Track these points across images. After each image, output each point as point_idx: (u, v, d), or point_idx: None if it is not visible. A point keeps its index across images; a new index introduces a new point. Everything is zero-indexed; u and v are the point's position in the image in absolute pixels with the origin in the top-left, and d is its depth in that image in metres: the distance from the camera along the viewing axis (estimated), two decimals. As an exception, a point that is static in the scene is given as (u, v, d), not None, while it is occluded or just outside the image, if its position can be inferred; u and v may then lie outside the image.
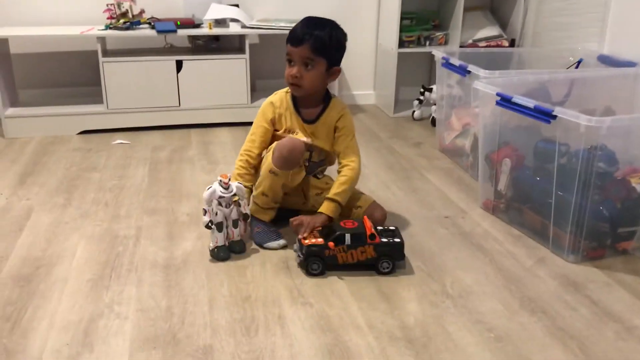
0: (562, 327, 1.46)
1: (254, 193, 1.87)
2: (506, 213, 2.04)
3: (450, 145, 2.66)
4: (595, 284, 1.66)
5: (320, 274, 1.67)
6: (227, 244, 1.77)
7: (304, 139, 1.83)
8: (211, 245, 1.76)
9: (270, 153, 1.80)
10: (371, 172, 2.48)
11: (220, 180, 1.71)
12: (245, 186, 1.80)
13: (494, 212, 2.09)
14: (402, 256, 1.70)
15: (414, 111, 3.28)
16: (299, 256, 1.70)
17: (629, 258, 1.79)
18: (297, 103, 1.87)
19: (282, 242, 1.83)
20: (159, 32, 2.86)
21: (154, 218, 2.02)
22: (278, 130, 1.88)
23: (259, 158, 1.88)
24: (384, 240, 1.68)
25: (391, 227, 1.76)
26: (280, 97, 1.90)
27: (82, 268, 1.70)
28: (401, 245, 1.69)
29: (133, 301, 1.54)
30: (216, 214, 1.73)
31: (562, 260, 1.78)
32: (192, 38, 3.18)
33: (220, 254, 1.75)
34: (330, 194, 1.82)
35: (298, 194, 1.95)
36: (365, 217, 1.75)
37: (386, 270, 1.68)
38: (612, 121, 1.69)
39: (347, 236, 1.66)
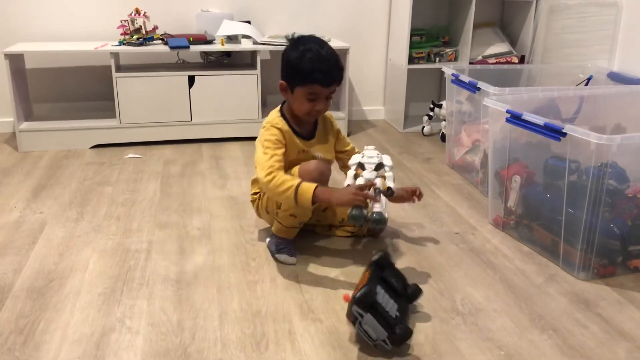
0: (573, 345, 1.45)
1: (279, 214, 1.84)
2: (516, 230, 2.04)
3: (460, 161, 2.66)
4: (607, 301, 1.65)
5: None
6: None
7: (317, 154, 1.87)
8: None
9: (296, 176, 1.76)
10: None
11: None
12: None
13: (503, 229, 2.09)
14: None
15: (423, 127, 3.29)
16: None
17: (640, 276, 1.79)
18: (291, 123, 1.84)
19: (294, 259, 1.83)
20: (171, 48, 2.90)
21: (166, 232, 2.04)
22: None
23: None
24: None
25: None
26: (278, 121, 1.83)
27: (94, 281, 1.72)
28: None
29: (144, 315, 1.55)
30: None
31: (572, 277, 1.78)
32: (204, 54, 3.22)
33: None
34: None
35: None
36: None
37: None
38: (622, 139, 1.70)
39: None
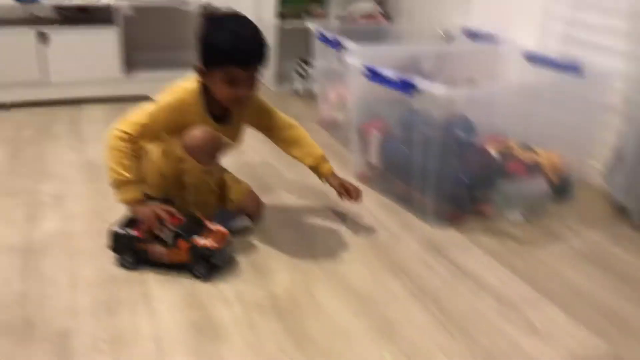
0: (422, 286, 1.54)
1: (191, 196, 1.67)
2: (378, 183, 2.11)
3: (328, 118, 2.70)
4: (455, 246, 1.76)
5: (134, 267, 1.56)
6: None
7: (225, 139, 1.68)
8: None
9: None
10: (250, 148, 2.45)
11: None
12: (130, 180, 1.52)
13: (367, 183, 2.15)
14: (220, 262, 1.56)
15: (295, 85, 3.28)
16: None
17: (486, 221, 1.92)
18: (207, 101, 1.62)
19: (247, 220, 1.79)
20: (18, 1, 2.65)
21: (13, 199, 1.90)
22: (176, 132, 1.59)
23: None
24: (201, 242, 1.52)
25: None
26: (192, 95, 1.59)
27: None
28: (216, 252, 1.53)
29: (-15, 288, 1.45)
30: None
31: (426, 225, 1.87)
32: (58, 9, 2.98)
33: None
34: (317, 156, 1.85)
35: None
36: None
37: (200, 276, 1.53)
38: (469, 92, 1.79)
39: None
